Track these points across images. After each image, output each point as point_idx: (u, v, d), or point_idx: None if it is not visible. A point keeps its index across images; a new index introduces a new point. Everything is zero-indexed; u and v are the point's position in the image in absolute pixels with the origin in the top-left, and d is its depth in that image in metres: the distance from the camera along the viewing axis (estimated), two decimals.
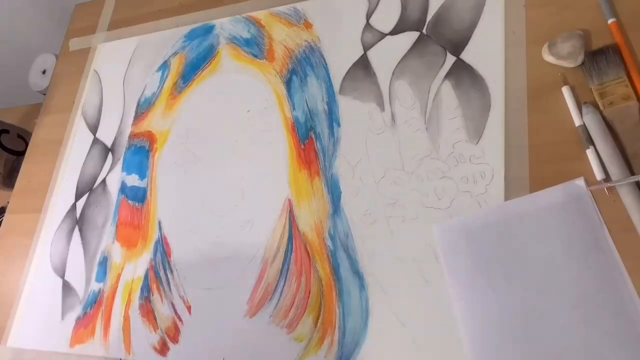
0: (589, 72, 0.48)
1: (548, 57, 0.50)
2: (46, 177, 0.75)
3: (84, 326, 0.63)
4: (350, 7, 0.63)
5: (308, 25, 0.65)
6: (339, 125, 0.58)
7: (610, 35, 0.49)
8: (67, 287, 0.66)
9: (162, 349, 0.57)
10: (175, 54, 0.73)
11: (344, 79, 0.59)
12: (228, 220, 0.59)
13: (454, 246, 0.48)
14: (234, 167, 0.62)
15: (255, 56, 0.66)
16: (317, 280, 0.52)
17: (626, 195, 0.43)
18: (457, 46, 0.55)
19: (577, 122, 0.47)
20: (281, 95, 0.62)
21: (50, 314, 0.65)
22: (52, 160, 0.76)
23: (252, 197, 0.59)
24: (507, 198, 0.47)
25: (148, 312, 0.60)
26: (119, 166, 0.70)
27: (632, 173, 0.44)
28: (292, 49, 0.64)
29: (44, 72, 0.93)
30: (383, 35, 0.59)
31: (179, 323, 0.57)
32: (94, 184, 0.71)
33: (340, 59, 0.61)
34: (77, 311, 0.64)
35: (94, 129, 0.75)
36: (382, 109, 0.56)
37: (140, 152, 0.69)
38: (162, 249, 0.62)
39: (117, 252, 0.65)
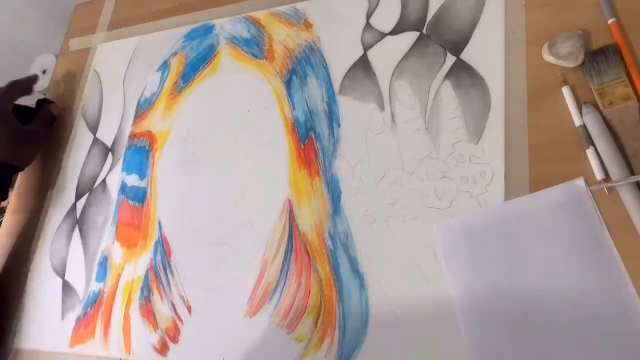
0: (589, 72, 0.48)
1: (548, 57, 0.50)
2: (46, 177, 0.75)
3: (84, 326, 0.63)
4: (350, 7, 0.63)
5: (308, 25, 0.65)
6: (339, 125, 0.58)
7: (610, 35, 0.49)
8: (67, 287, 0.66)
9: (162, 349, 0.57)
10: (175, 54, 0.73)
11: (344, 78, 0.59)
12: (228, 220, 0.59)
13: (454, 246, 0.48)
14: (234, 167, 0.62)
15: (255, 56, 0.66)
16: (317, 280, 0.52)
17: (626, 195, 0.43)
18: (457, 46, 0.55)
19: (577, 122, 0.47)
20: (281, 95, 0.62)
21: (50, 314, 0.65)
22: (52, 160, 0.76)
23: (252, 197, 0.59)
24: (507, 198, 0.47)
25: (148, 312, 0.60)
26: (119, 166, 0.70)
27: (632, 173, 0.44)
28: (292, 49, 0.64)
29: (44, 72, 0.93)
30: (383, 35, 0.59)
31: (179, 323, 0.57)
32: (94, 184, 0.71)
33: (340, 59, 0.61)
34: (77, 311, 0.64)
35: (94, 129, 0.75)
36: (382, 109, 0.56)
37: (140, 152, 0.69)
38: (162, 249, 0.62)
39: (117, 252, 0.65)
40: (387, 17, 0.60)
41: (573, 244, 0.44)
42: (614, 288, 0.42)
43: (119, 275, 0.63)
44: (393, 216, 0.51)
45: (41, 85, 0.89)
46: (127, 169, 0.69)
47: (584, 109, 0.47)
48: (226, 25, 0.71)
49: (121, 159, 0.70)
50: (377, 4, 0.62)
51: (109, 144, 0.72)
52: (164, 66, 0.73)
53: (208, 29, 0.72)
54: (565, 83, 0.49)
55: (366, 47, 0.60)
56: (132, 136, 0.71)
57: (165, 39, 0.75)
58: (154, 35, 0.77)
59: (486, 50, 0.53)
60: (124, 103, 0.74)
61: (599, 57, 0.48)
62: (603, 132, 0.45)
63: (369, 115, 0.56)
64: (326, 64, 0.61)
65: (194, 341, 0.56)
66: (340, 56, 0.61)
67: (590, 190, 0.45)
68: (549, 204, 0.46)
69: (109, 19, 0.84)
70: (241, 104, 0.64)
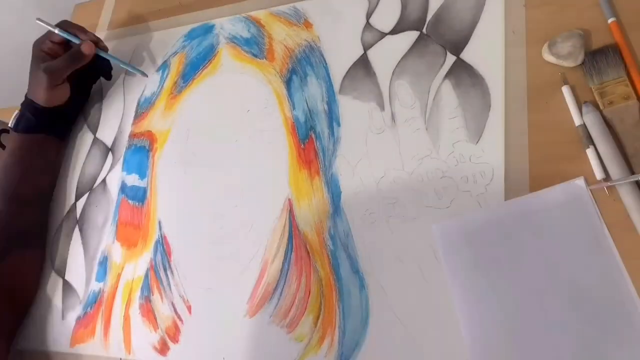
0: (589, 71, 0.48)
1: (548, 57, 0.50)
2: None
3: (84, 326, 0.63)
4: (350, 7, 0.63)
5: (308, 25, 0.65)
6: (339, 124, 0.58)
7: (610, 34, 0.49)
8: (67, 287, 0.66)
9: (162, 349, 0.57)
10: (175, 53, 0.73)
11: (344, 78, 0.59)
12: (228, 220, 0.59)
13: (453, 246, 0.48)
14: (234, 167, 0.62)
15: (255, 56, 0.66)
16: (317, 280, 0.52)
17: (626, 195, 0.43)
18: (457, 46, 0.55)
19: (577, 121, 0.47)
20: (281, 94, 0.62)
21: (51, 313, 0.65)
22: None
23: (252, 197, 0.59)
24: (507, 198, 0.47)
25: (148, 311, 0.60)
26: (119, 166, 0.70)
27: (632, 172, 0.44)
28: (292, 49, 0.64)
29: None
30: (383, 35, 0.59)
31: (179, 323, 0.57)
32: (94, 183, 0.71)
33: (340, 59, 0.61)
34: (78, 311, 0.64)
35: (94, 128, 0.75)
36: (382, 108, 0.56)
37: (140, 151, 0.69)
38: (162, 248, 0.62)
39: (117, 252, 0.65)
40: (387, 16, 0.60)
41: (573, 243, 0.44)
42: (614, 288, 0.42)
43: (119, 275, 0.63)
44: (393, 216, 0.51)
45: None
46: (127, 168, 0.69)
47: (584, 109, 0.47)
48: (226, 24, 0.71)
49: (121, 159, 0.70)
50: (377, 3, 0.62)
51: (109, 143, 0.72)
52: (164, 66, 0.73)
53: (208, 29, 0.72)
54: (565, 83, 0.49)
55: (366, 47, 0.60)
56: (132, 136, 0.71)
57: (165, 39, 0.75)
58: (154, 35, 0.77)
59: (486, 50, 0.53)
60: (124, 103, 0.74)
61: (599, 56, 0.48)
62: (603, 132, 0.45)
63: (369, 115, 0.56)
64: (326, 64, 0.61)
65: (194, 341, 0.56)
66: (340, 56, 0.61)
67: (590, 190, 0.45)
68: (549, 204, 0.46)
69: (109, 18, 0.84)
70: (241, 104, 0.64)
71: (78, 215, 0.70)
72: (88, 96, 0.77)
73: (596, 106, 0.47)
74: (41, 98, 0.67)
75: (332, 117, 0.58)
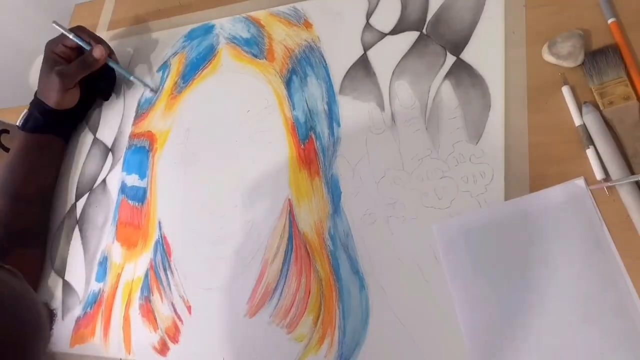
0: (589, 71, 0.48)
1: (548, 57, 0.50)
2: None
3: (84, 326, 0.63)
4: (350, 7, 0.63)
5: (308, 25, 0.65)
6: (339, 125, 0.58)
7: (610, 35, 0.49)
8: (67, 287, 0.66)
9: (162, 349, 0.57)
10: (175, 53, 0.73)
11: (344, 78, 0.59)
12: (228, 220, 0.59)
13: (453, 246, 0.48)
14: (234, 167, 0.62)
15: (255, 56, 0.66)
16: (317, 280, 0.52)
17: (626, 195, 0.43)
18: (457, 46, 0.55)
19: (577, 121, 0.47)
20: (281, 95, 0.62)
21: None
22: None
23: (252, 197, 0.59)
24: (507, 198, 0.47)
25: (148, 312, 0.60)
26: (119, 166, 0.70)
27: (632, 173, 0.44)
28: (292, 49, 0.64)
29: None
30: (383, 35, 0.59)
31: (179, 323, 0.57)
32: (94, 184, 0.71)
33: (340, 59, 0.61)
34: (77, 311, 0.64)
35: (94, 129, 0.75)
36: (382, 108, 0.56)
37: (141, 152, 0.69)
38: (162, 248, 0.62)
39: (117, 252, 0.65)
40: (387, 17, 0.60)
41: (573, 243, 0.44)
42: (614, 287, 0.42)
43: (118, 275, 0.63)
44: (393, 216, 0.51)
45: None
46: (127, 169, 0.69)
47: (584, 109, 0.47)
48: (226, 25, 0.71)
49: (121, 159, 0.70)
50: (377, 3, 0.62)
51: (109, 144, 0.72)
52: (164, 66, 0.73)
53: (208, 29, 0.72)
54: (565, 83, 0.49)
55: (366, 47, 0.60)
56: (132, 136, 0.71)
57: (165, 39, 0.75)
58: (154, 35, 0.77)
59: (486, 50, 0.53)
60: (124, 103, 0.74)
61: (599, 57, 0.48)
62: (603, 132, 0.45)
63: (369, 115, 0.56)
64: (326, 64, 0.61)
65: (194, 341, 0.56)
66: (340, 56, 0.61)
67: (590, 190, 0.45)
68: (549, 204, 0.46)
69: (109, 19, 0.84)
70: (241, 104, 0.64)
71: (78, 216, 0.70)
72: (95, 100, 0.77)
73: (596, 106, 0.47)
74: (52, 100, 0.68)
75: (332, 118, 0.58)
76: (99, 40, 0.70)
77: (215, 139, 0.64)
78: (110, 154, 0.71)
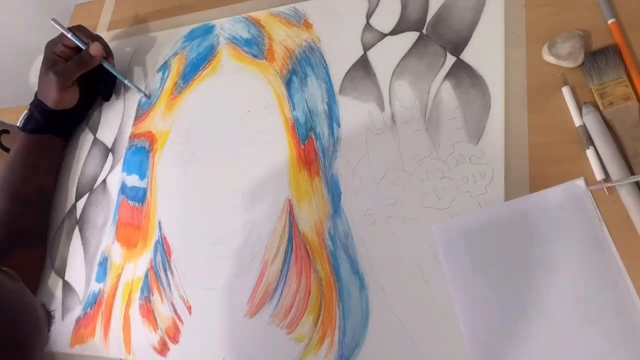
0: (589, 72, 0.48)
1: (548, 57, 0.50)
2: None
3: (84, 326, 0.63)
4: (350, 7, 0.63)
5: (308, 26, 0.65)
6: (339, 125, 0.58)
7: (610, 35, 0.49)
8: (67, 287, 0.66)
9: (162, 349, 0.57)
10: (175, 54, 0.73)
11: (344, 79, 0.59)
12: (228, 220, 0.59)
13: (453, 246, 0.48)
14: (234, 167, 0.62)
15: (255, 56, 0.66)
16: (317, 281, 0.52)
17: (626, 195, 0.43)
18: (457, 46, 0.55)
19: (577, 122, 0.47)
20: (281, 95, 0.62)
21: None
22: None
23: (252, 197, 0.59)
24: (507, 198, 0.47)
25: (148, 312, 0.60)
26: (119, 166, 0.70)
27: (632, 173, 0.44)
28: (292, 49, 0.64)
29: None
30: (383, 36, 0.59)
31: (179, 323, 0.57)
32: (94, 184, 0.71)
33: (340, 59, 0.61)
34: (77, 311, 0.64)
35: (94, 129, 0.75)
36: (382, 109, 0.56)
37: (141, 152, 0.69)
38: (162, 249, 0.62)
39: (117, 252, 0.65)
40: (387, 17, 0.60)
41: (573, 243, 0.44)
42: (614, 287, 0.42)
43: (119, 276, 0.63)
44: (393, 216, 0.51)
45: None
46: (128, 169, 0.69)
47: (584, 109, 0.47)
48: (226, 25, 0.71)
49: (121, 160, 0.70)
50: (377, 4, 0.62)
51: (109, 144, 0.72)
52: (164, 66, 0.73)
53: (208, 29, 0.72)
54: (565, 83, 0.49)
55: (366, 47, 0.60)
56: (133, 136, 0.71)
57: (165, 39, 0.75)
58: (154, 35, 0.77)
59: (486, 50, 0.53)
60: (124, 103, 0.74)
61: (599, 57, 0.48)
62: (603, 132, 0.45)
63: (369, 115, 0.56)
64: (326, 64, 0.61)
65: (194, 341, 0.56)
66: (340, 56, 0.61)
67: (590, 190, 0.45)
68: (549, 204, 0.46)
69: (109, 19, 0.84)
70: (241, 104, 0.64)
71: (78, 216, 0.70)
72: (95, 99, 0.77)
73: (596, 107, 0.47)
74: (51, 100, 0.68)
75: (332, 118, 0.58)
76: (97, 39, 0.70)
77: (215, 139, 0.64)
78: (110, 154, 0.71)
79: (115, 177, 0.69)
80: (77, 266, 0.67)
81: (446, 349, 0.45)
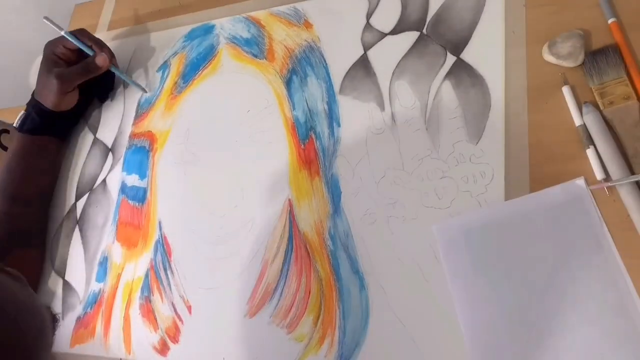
0: (589, 71, 0.48)
1: (548, 57, 0.50)
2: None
3: (84, 326, 0.63)
4: (350, 7, 0.63)
5: (308, 25, 0.65)
6: (339, 125, 0.58)
7: (610, 35, 0.49)
8: (67, 287, 0.66)
9: (162, 349, 0.57)
10: (175, 54, 0.73)
11: (344, 78, 0.59)
12: (228, 220, 0.59)
13: (453, 246, 0.48)
14: (234, 167, 0.62)
15: (255, 56, 0.66)
16: (317, 280, 0.52)
17: (626, 195, 0.43)
18: (457, 46, 0.55)
19: (577, 121, 0.47)
20: (281, 95, 0.62)
21: None
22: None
23: (252, 197, 0.59)
24: (507, 198, 0.47)
25: (148, 312, 0.60)
26: (119, 166, 0.70)
27: (632, 173, 0.44)
28: (292, 49, 0.64)
29: None
30: (383, 35, 0.59)
31: (179, 323, 0.57)
32: (94, 184, 0.71)
33: (340, 59, 0.61)
34: (78, 311, 0.64)
35: (94, 129, 0.75)
36: (382, 108, 0.56)
37: (141, 152, 0.69)
38: (163, 248, 0.62)
39: (117, 252, 0.65)
40: (387, 17, 0.60)
41: (573, 243, 0.44)
42: (614, 287, 0.42)
43: (119, 275, 0.63)
44: (393, 216, 0.51)
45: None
46: (128, 169, 0.69)
47: (584, 109, 0.47)
48: (226, 25, 0.71)
49: (121, 159, 0.70)
50: (377, 4, 0.62)
51: (109, 144, 0.72)
52: (164, 66, 0.73)
53: (208, 29, 0.72)
54: (566, 83, 0.49)
55: (366, 47, 0.60)
56: (133, 136, 0.71)
57: (165, 39, 0.75)
58: (154, 35, 0.77)
59: (486, 50, 0.53)
60: (124, 103, 0.74)
61: (599, 57, 0.48)
62: (603, 132, 0.45)
63: (369, 115, 0.56)
64: (326, 64, 0.61)
65: (194, 341, 0.56)
66: (340, 56, 0.61)
67: (591, 190, 0.45)
68: (549, 204, 0.46)
69: (109, 19, 0.84)
70: (241, 104, 0.64)
71: (78, 216, 0.70)
72: (92, 101, 0.77)
73: (596, 106, 0.47)
74: (50, 102, 0.68)
75: (332, 118, 0.58)
76: (102, 45, 0.70)
77: (215, 139, 0.64)
78: (110, 154, 0.71)
79: (115, 176, 0.69)
80: (77, 266, 0.67)
81: (446, 349, 0.45)
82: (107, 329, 0.61)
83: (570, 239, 0.44)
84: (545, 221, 0.45)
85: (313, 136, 0.58)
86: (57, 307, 0.65)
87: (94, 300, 0.63)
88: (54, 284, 0.67)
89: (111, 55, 0.71)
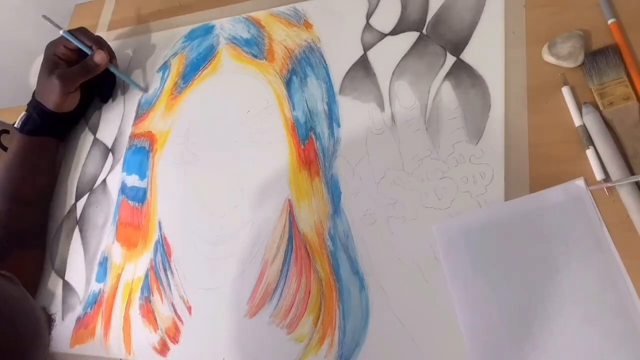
0: (588, 72, 0.48)
1: (548, 58, 0.50)
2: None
3: (84, 326, 0.63)
4: (350, 7, 0.63)
5: (308, 26, 0.65)
6: (339, 125, 0.58)
7: (610, 35, 0.49)
8: (67, 288, 0.66)
9: (162, 349, 0.57)
10: (175, 54, 0.73)
11: (344, 79, 0.59)
12: (228, 220, 0.59)
13: (453, 246, 0.48)
14: (234, 167, 0.62)
15: (255, 56, 0.66)
16: (317, 281, 0.52)
17: (626, 195, 0.43)
18: (457, 46, 0.55)
19: (577, 122, 0.47)
20: (281, 95, 0.62)
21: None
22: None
23: (252, 197, 0.59)
24: (507, 198, 0.47)
25: (148, 312, 0.60)
26: (119, 166, 0.70)
27: (632, 173, 0.44)
28: (292, 49, 0.64)
29: None
30: (383, 36, 0.59)
31: (179, 323, 0.57)
32: (94, 184, 0.71)
33: (340, 59, 0.61)
34: (78, 311, 0.64)
35: (94, 129, 0.75)
36: (382, 109, 0.56)
37: (141, 152, 0.69)
38: (162, 249, 0.62)
39: (117, 253, 0.65)
40: (387, 17, 0.60)
41: (573, 244, 0.44)
42: (614, 287, 0.42)
43: (119, 276, 0.63)
44: (393, 216, 0.51)
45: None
46: (128, 169, 0.69)
47: (584, 109, 0.47)
48: (226, 25, 0.71)
49: (121, 160, 0.70)
50: (377, 4, 0.62)
51: (109, 144, 0.72)
52: (164, 66, 0.73)
53: (208, 29, 0.72)
54: (565, 83, 0.49)
55: (366, 47, 0.60)
56: (133, 136, 0.71)
57: (165, 40, 0.75)
58: (154, 35, 0.77)
59: (486, 50, 0.53)
60: (124, 103, 0.74)
61: (599, 57, 0.48)
62: (603, 132, 0.45)
63: (369, 115, 0.56)
64: (326, 64, 0.61)
65: (194, 341, 0.56)
66: (340, 56, 0.61)
67: (590, 191, 0.45)
68: (549, 204, 0.46)
69: (109, 19, 0.84)
70: (241, 104, 0.64)
71: (78, 216, 0.70)
72: (92, 101, 0.76)
73: (596, 107, 0.47)
74: (52, 103, 0.67)
75: (332, 118, 0.58)
76: (101, 43, 0.70)
77: (215, 139, 0.64)
78: (110, 154, 0.71)
79: (115, 177, 0.69)
80: (77, 266, 0.67)
81: (446, 349, 0.45)
82: (107, 330, 0.61)
83: (570, 240, 0.44)
84: (545, 221, 0.45)
85: (313, 136, 0.58)
86: (57, 307, 0.65)
87: (94, 301, 0.63)
88: (54, 284, 0.67)
89: (111, 54, 0.71)
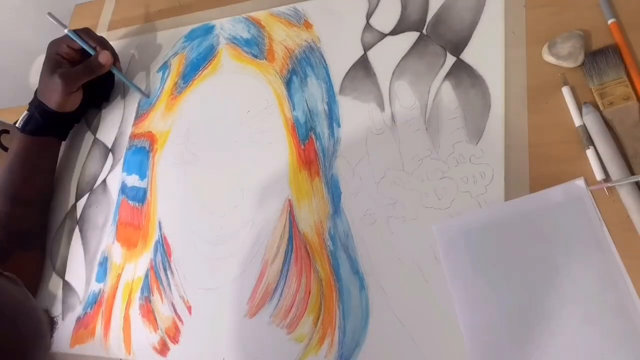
0: (589, 72, 0.48)
1: (548, 58, 0.50)
2: None
3: (84, 326, 0.63)
4: (350, 7, 0.63)
5: (308, 26, 0.65)
6: (339, 125, 0.58)
7: (610, 35, 0.49)
8: (67, 288, 0.66)
9: (162, 349, 0.57)
10: (175, 54, 0.73)
11: (344, 79, 0.59)
12: (228, 221, 0.59)
13: (453, 246, 0.48)
14: (234, 167, 0.62)
15: (255, 56, 0.66)
16: (317, 281, 0.52)
17: (626, 195, 0.43)
18: (457, 46, 0.55)
19: (577, 122, 0.47)
20: (281, 95, 0.62)
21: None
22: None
23: (252, 197, 0.59)
24: (507, 198, 0.47)
25: (148, 312, 0.60)
26: (119, 166, 0.70)
27: (632, 173, 0.44)
28: (292, 49, 0.64)
29: None
30: (383, 36, 0.59)
31: (179, 323, 0.57)
32: (94, 184, 0.71)
33: (340, 59, 0.61)
34: (78, 311, 0.64)
35: (94, 129, 0.75)
36: (382, 109, 0.56)
37: (141, 152, 0.69)
38: (162, 249, 0.62)
39: (117, 253, 0.65)
40: (387, 17, 0.60)
41: (573, 243, 0.44)
42: (614, 287, 0.42)
43: (119, 276, 0.63)
44: (393, 216, 0.51)
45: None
46: (128, 169, 0.69)
47: (584, 109, 0.47)
48: (226, 25, 0.71)
49: (121, 160, 0.70)
50: (377, 4, 0.62)
51: (109, 144, 0.72)
52: (165, 66, 0.73)
53: (208, 29, 0.72)
54: (565, 83, 0.49)
55: (366, 48, 0.60)
56: (133, 137, 0.71)
57: (165, 40, 0.75)
58: (154, 35, 0.77)
59: (486, 50, 0.53)
60: (124, 103, 0.74)
61: (599, 57, 0.48)
62: (603, 132, 0.45)
63: (369, 115, 0.56)
64: (326, 64, 0.61)
65: (194, 341, 0.56)
66: (340, 56, 0.61)
67: (590, 191, 0.45)
68: (549, 204, 0.46)
69: (109, 19, 0.84)
70: (241, 104, 0.64)
71: (78, 216, 0.70)
72: (93, 102, 0.76)
73: (596, 107, 0.47)
74: (54, 103, 0.67)
75: (332, 118, 0.58)
76: (105, 44, 0.70)
77: (215, 139, 0.64)
78: (110, 154, 0.71)
79: (116, 177, 0.69)
80: (77, 266, 0.67)
81: (446, 349, 0.45)
82: (107, 329, 0.61)
83: (570, 240, 0.44)
84: (545, 222, 0.45)
85: (313, 136, 0.58)
86: (57, 307, 0.65)
87: (94, 301, 0.63)
88: (54, 284, 0.67)
89: (115, 56, 0.71)
